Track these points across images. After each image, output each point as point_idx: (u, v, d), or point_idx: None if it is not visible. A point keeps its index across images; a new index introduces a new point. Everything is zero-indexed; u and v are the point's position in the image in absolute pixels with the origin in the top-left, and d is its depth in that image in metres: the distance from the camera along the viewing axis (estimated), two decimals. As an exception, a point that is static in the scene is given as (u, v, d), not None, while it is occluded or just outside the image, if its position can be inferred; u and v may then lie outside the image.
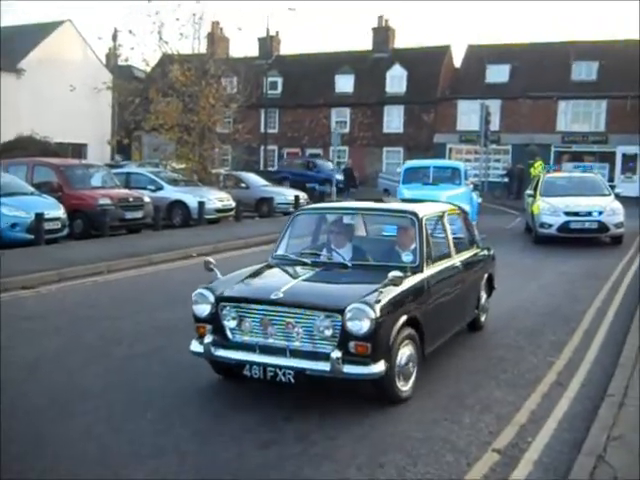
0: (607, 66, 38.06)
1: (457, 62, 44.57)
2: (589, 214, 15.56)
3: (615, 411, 5.10)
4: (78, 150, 35.70)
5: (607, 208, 15.60)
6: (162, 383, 6.04)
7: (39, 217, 14.09)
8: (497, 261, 8.82)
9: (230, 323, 5.53)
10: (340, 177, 31.38)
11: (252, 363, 5.35)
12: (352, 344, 5.11)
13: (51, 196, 15.68)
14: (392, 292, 5.39)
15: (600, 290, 10.57)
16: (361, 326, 5.08)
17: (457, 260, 6.95)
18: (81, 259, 12.51)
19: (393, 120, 42.98)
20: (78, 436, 4.94)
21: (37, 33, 35.86)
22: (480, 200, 21.43)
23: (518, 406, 5.58)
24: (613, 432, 4.70)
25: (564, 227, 15.62)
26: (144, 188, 19.40)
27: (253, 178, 25.68)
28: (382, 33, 45.33)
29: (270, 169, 38.24)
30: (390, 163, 41.21)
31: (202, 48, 24.53)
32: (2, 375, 6.07)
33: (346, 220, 7.11)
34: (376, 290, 5.30)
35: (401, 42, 46.90)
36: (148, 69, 26.17)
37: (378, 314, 5.11)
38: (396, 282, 5.36)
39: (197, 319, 5.70)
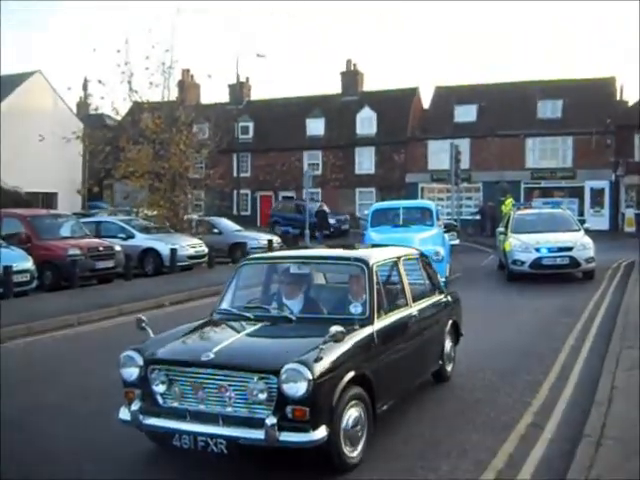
0: (571, 104, 38.89)
1: (426, 103, 45.26)
2: (560, 250, 15.69)
3: (592, 452, 5.03)
4: (49, 199, 35.42)
5: (577, 243, 15.75)
6: (123, 441, 5.75)
7: (7, 270, 13.84)
8: (472, 300, 8.79)
9: (159, 388, 5.09)
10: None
11: (181, 432, 4.87)
12: (289, 409, 4.66)
13: (19, 248, 15.43)
14: (334, 349, 4.94)
15: (574, 327, 10.58)
16: (297, 388, 4.63)
17: (415, 309, 6.52)
18: (51, 311, 12.28)
19: (364, 161, 43.37)
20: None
21: (7, 84, 35.79)
22: (457, 241, 21.00)
23: (495, 450, 5.49)
24: (591, 474, 4.63)
25: (536, 263, 15.72)
26: (115, 237, 19.24)
27: (225, 223, 25.64)
28: (351, 77, 45.99)
29: (243, 214, 38.18)
30: (363, 204, 41.39)
31: (172, 95, 24.60)
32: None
33: (293, 269, 6.63)
34: (316, 347, 4.85)
35: (369, 85, 47.29)
36: (118, 118, 26.16)
37: (316, 374, 4.66)
38: (338, 338, 4.91)
39: (125, 383, 5.26)
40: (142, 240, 19.77)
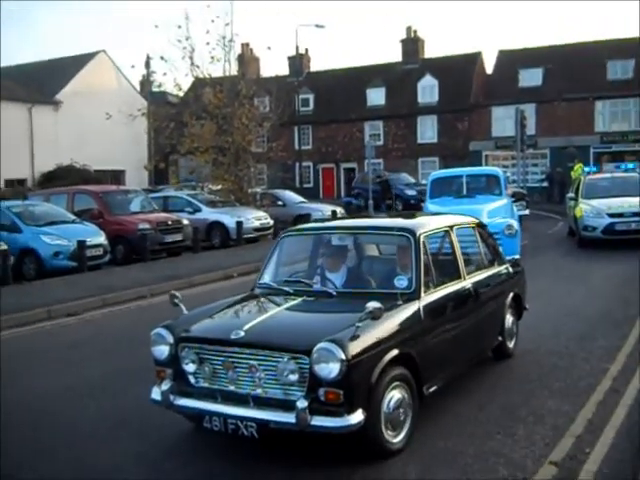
0: (643, 63, 37.39)
1: (489, 68, 44.26)
2: (635, 215, 15.16)
3: (677, 417, 4.88)
4: (117, 176, 36.37)
5: (653, 208, 15.17)
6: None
7: (81, 244, 14.30)
8: (541, 266, 8.57)
9: (190, 367, 4.89)
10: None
11: (212, 414, 4.65)
12: (322, 391, 4.35)
13: (92, 223, 15.93)
14: (372, 326, 4.60)
15: (651, 292, 10.24)
16: (330, 369, 4.31)
17: (469, 282, 6.05)
18: (124, 284, 12.66)
19: (427, 130, 42.84)
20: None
21: (73, 65, 36.76)
22: (527, 212, 20.39)
23: (573, 416, 5.39)
24: (676, 439, 4.50)
25: (609, 229, 15.24)
26: (181, 211, 19.63)
27: (289, 195, 25.77)
28: (411, 44, 45.33)
29: (306, 186, 38.22)
30: (425, 173, 40.84)
31: (233, 70, 24.76)
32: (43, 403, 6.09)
33: (336, 241, 6.29)
34: (353, 325, 4.52)
35: (431, 52, 46.82)
36: (181, 94, 26.52)
37: (351, 354, 4.33)
38: (375, 314, 4.54)
39: (156, 362, 5.06)
40: (208, 214, 20.11)
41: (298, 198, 25.64)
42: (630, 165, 33.95)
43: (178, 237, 17.61)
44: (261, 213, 21.15)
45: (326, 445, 4.74)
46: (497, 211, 13.43)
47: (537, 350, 7.35)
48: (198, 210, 20.18)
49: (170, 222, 17.65)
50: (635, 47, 37.92)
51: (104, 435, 5.44)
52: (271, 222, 20.83)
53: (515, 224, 12.80)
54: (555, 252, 15.75)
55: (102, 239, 15.39)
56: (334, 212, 23.22)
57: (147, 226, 16.70)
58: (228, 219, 19.80)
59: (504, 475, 4.41)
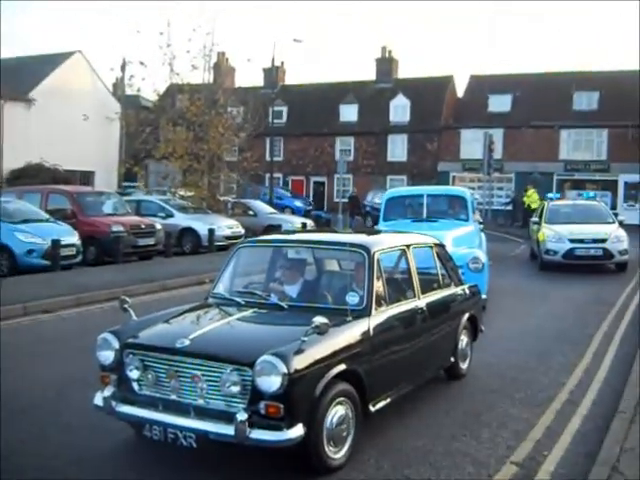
0: (607, 96, 38.65)
1: (460, 92, 45.21)
2: (594, 241, 15.83)
3: (626, 426, 5.34)
4: (86, 177, 36.14)
5: (612, 235, 15.87)
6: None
7: (55, 243, 14.39)
8: (504, 287, 8.92)
9: (133, 374, 4.83)
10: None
11: (152, 422, 4.61)
12: (262, 404, 4.32)
13: (65, 223, 16.00)
14: (318, 341, 4.56)
15: (607, 315, 10.81)
16: (271, 383, 4.28)
17: (423, 301, 6.06)
18: (97, 284, 12.79)
19: (397, 148, 43.53)
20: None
21: (48, 63, 36.47)
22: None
23: (533, 423, 5.82)
24: (625, 445, 4.95)
25: (569, 254, 15.88)
26: (154, 215, 19.77)
27: (260, 205, 26.07)
28: (385, 64, 46.06)
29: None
30: (394, 191, 41.63)
31: (210, 78, 25.04)
32: (22, 397, 6.31)
33: (292, 254, 6.30)
34: (299, 339, 4.50)
35: (404, 72, 47.35)
36: (156, 98, 26.69)
37: (293, 369, 4.30)
38: (322, 329, 4.50)
39: (101, 367, 5.04)
40: (181, 219, 20.31)
41: (269, 209, 25.97)
42: (591, 194, 35.09)
43: (151, 241, 17.76)
44: (233, 221, 21.40)
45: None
46: (462, 239, 11.58)
47: (500, 364, 7.78)
48: (170, 215, 20.35)
49: (143, 225, 17.80)
50: (600, 80, 39.20)
51: (81, 426, 5.59)
52: (242, 231, 21.09)
53: (482, 256, 11.10)
54: (517, 274, 16.32)
55: (75, 239, 15.47)
56: (304, 224, 23.59)
57: (120, 228, 16.83)
58: (200, 226, 20.02)
59: (470, 472, 4.81)
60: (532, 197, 28.09)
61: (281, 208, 31.86)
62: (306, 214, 31.82)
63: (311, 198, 42.90)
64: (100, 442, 5.28)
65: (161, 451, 4.96)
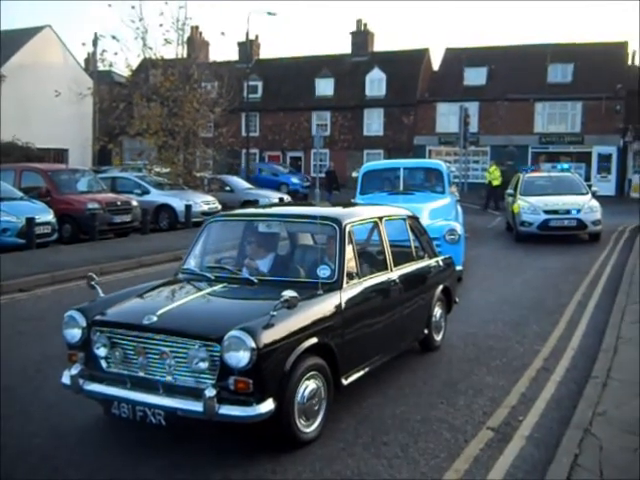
0: (582, 68, 38.85)
1: (435, 65, 45.14)
2: (568, 212, 16.02)
3: (599, 390, 5.46)
4: (60, 155, 35.66)
5: (585, 206, 16.07)
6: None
7: (30, 222, 14.24)
8: (480, 258, 9.02)
9: (101, 351, 4.77)
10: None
11: (121, 400, 4.56)
12: (231, 380, 4.27)
13: (40, 201, 15.83)
14: (287, 316, 4.51)
15: (580, 284, 11.00)
16: (239, 358, 4.23)
17: (395, 274, 6.02)
18: (73, 262, 12.71)
19: (373, 123, 43.47)
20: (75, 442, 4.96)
21: (17, 39, 35.74)
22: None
23: (508, 390, 5.94)
24: (598, 409, 5.07)
25: (544, 225, 16.07)
26: (130, 192, 19.62)
27: (237, 181, 25.98)
28: (361, 37, 45.80)
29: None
30: (371, 165, 41.64)
31: (184, 53, 24.74)
32: (2, 376, 6.28)
33: (263, 228, 6.23)
34: (268, 313, 4.44)
35: (380, 46, 47.30)
36: (129, 74, 26.34)
37: (262, 343, 4.26)
38: (291, 303, 4.44)
39: (68, 345, 4.97)
40: (157, 196, 20.17)
41: (246, 184, 25.87)
42: (565, 165, 35.30)
43: (127, 218, 17.62)
44: (209, 197, 21.30)
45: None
46: (439, 212, 11.69)
47: (476, 334, 7.90)
48: (147, 192, 20.19)
49: (119, 202, 17.64)
50: (574, 52, 39.36)
51: (60, 402, 5.56)
52: (219, 207, 20.98)
53: (459, 228, 11.22)
54: (494, 245, 16.50)
55: (50, 217, 15.31)
56: (281, 199, 23.55)
57: (96, 206, 16.67)
58: (177, 202, 19.90)
59: (447, 438, 4.90)
60: (494, 174, 27.49)
61: (276, 186, 31.26)
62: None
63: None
64: (79, 417, 5.29)
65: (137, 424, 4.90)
